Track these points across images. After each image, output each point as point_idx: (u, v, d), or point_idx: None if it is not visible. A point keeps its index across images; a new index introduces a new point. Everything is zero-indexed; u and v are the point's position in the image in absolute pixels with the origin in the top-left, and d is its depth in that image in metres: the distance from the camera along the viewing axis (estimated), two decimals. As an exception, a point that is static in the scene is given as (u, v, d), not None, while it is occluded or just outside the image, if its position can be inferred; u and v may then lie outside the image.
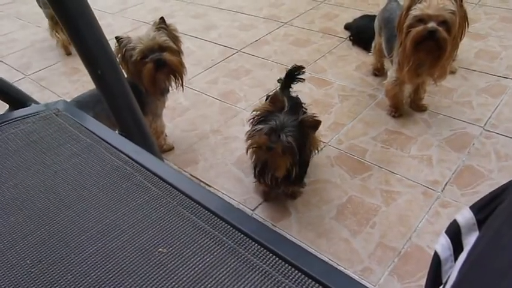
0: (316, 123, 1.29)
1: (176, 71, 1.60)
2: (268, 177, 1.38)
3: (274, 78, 2.27)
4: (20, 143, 0.92)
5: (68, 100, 1.50)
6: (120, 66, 1.55)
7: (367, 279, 1.24)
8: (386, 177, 1.59)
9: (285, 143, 1.25)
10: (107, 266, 0.63)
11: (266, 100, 1.42)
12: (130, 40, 1.53)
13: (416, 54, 1.62)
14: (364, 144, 1.76)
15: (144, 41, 1.52)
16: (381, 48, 2.03)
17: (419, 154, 1.69)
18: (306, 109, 1.59)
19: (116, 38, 1.54)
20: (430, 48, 1.58)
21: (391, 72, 1.84)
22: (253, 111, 1.37)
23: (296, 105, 1.51)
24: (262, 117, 1.32)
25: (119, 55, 1.54)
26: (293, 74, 1.61)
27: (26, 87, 2.33)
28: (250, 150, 1.35)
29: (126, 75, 1.57)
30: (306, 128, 1.29)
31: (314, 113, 1.37)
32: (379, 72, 2.21)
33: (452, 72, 2.14)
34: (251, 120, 1.36)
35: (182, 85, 1.66)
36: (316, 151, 1.37)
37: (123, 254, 0.65)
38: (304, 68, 1.62)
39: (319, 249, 1.34)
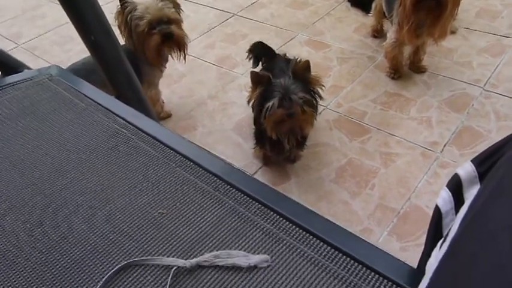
0: (306, 65, 1.28)
1: (181, 43, 1.57)
2: (287, 141, 1.36)
3: (271, 42, 2.22)
4: (14, 109, 0.90)
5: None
6: (120, 32, 1.52)
7: (366, 239, 1.25)
8: (385, 139, 1.58)
9: (299, 101, 1.24)
10: (107, 228, 0.63)
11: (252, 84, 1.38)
12: (136, 7, 1.48)
13: (416, 13, 1.58)
14: (363, 107, 1.74)
15: (151, 12, 1.47)
16: (381, 9, 1.98)
17: (419, 116, 1.67)
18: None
19: (120, 0, 1.49)
20: (431, 6, 1.54)
21: (391, 34, 1.80)
22: (248, 101, 1.35)
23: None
24: (262, 98, 1.29)
25: (120, 19, 1.49)
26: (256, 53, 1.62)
27: (18, 56, 2.27)
28: (272, 130, 1.32)
29: (124, 42, 1.53)
30: (302, 75, 1.28)
31: (296, 57, 1.36)
32: (378, 33, 2.17)
33: (453, 32, 2.09)
34: (254, 107, 1.34)
35: (185, 57, 1.63)
36: (323, 87, 1.35)
37: (123, 216, 0.65)
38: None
39: (319, 211, 1.35)
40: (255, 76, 1.29)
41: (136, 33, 1.50)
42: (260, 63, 1.63)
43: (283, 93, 1.24)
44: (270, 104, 1.25)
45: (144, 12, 1.47)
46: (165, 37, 1.49)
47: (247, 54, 1.66)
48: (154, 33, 1.48)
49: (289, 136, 1.36)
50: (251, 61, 1.66)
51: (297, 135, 1.36)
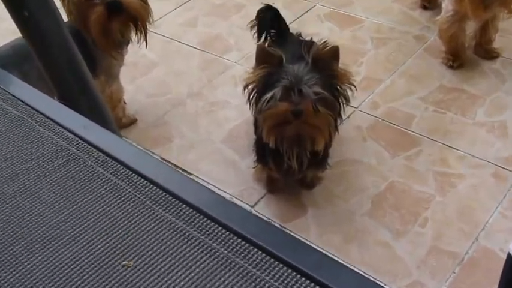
0: (333, 52, 1.29)
1: (138, 19, 1.59)
2: (295, 159, 1.36)
3: (278, 15, 2.26)
4: None
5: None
6: (62, 3, 1.54)
7: (416, 298, 1.27)
8: (441, 154, 1.60)
9: (312, 96, 1.24)
10: (52, 285, 0.65)
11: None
12: None
13: (483, -25, 1.61)
14: (410, 109, 1.76)
15: None
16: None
17: (489, 120, 1.69)
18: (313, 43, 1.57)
19: None
20: (504, -35, 1.57)
21: (448, 4, 1.83)
22: (246, 85, 1.35)
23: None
24: (264, 85, 1.30)
25: None
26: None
27: None
28: (270, 134, 1.32)
29: (67, 18, 1.55)
30: (326, 63, 1.29)
31: (322, 40, 1.37)
32: (430, 4, 2.20)
33: (536, 1, 2.13)
34: (251, 97, 1.35)
35: (146, 38, 1.64)
36: (354, 87, 1.36)
37: (73, 270, 0.67)
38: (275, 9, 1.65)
39: (348, 257, 1.37)
40: (261, 52, 1.29)
41: (74, 5, 1.51)
42: (264, 37, 1.64)
43: (292, 82, 1.24)
44: (270, 94, 1.25)
45: None
46: (111, 9, 1.50)
47: (251, 22, 1.67)
48: (97, 4, 1.50)
49: (295, 148, 1.35)
50: (253, 32, 1.67)
51: (305, 149, 1.36)
